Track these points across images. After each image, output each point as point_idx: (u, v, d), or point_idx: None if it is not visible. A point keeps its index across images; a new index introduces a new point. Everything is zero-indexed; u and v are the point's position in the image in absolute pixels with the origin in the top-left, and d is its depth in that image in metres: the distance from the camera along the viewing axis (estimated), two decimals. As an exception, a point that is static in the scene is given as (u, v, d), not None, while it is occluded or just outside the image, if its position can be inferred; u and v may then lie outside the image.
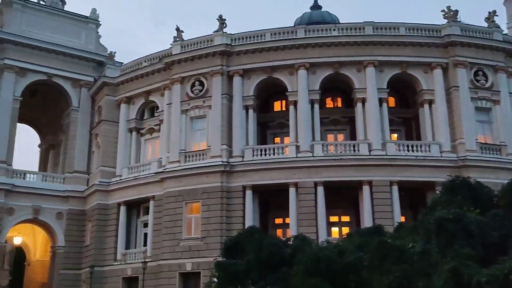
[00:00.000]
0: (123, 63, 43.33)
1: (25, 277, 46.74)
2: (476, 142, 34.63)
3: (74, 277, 39.65)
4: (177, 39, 39.10)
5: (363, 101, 35.89)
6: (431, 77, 36.24)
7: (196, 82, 37.66)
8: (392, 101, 38.69)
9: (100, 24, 46.66)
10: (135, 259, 36.95)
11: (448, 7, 37.02)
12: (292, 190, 34.01)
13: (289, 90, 36.62)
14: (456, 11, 36.82)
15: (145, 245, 37.62)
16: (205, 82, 37.40)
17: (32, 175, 41.65)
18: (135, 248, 38.49)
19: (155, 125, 40.46)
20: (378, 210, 32.98)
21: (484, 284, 13.44)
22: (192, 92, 37.63)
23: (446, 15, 36.93)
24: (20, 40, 41.23)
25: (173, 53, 38.66)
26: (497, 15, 38.27)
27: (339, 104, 39.95)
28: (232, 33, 38.03)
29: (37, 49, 41.90)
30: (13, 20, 42.21)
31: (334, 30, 37.33)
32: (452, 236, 15.92)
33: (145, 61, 41.16)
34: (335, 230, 35.70)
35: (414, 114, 38.04)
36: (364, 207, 33.51)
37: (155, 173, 37.33)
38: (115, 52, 44.27)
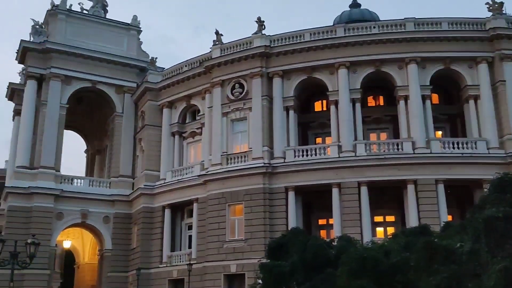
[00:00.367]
0: (164, 68, 43.98)
1: (75, 280, 48.10)
2: (525, 137, 33.55)
3: (121, 279, 40.48)
4: (217, 42, 39.42)
5: (406, 98, 35.28)
6: (476, 72, 35.34)
7: (236, 84, 37.85)
8: (435, 98, 37.94)
9: (141, 31, 47.62)
10: (180, 261, 37.39)
11: (493, 0, 36.06)
12: (335, 191, 33.77)
13: (329, 90, 36.37)
14: (502, 3, 35.80)
15: (189, 247, 38.04)
16: (245, 84, 37.56)
17: (79, 180, 42.76)
18: (180, 250, 38.98)
19: (197, 128, 40.89)
20: (424, 210, 32.35)
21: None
22: (233, 94, 37.85)
23: (491, 7, 35.94)
24: (65, 49, 42.41)
25: (213, 57, 38.99)
26: (544, 6, 37.11)
27: (381, 103, 39.46)
28: (271, 34, 38.06)
29: (82, 57, 43.03)
30: (58, 30, 43.45)
31: (374, 27, 36.83)
32: (502, 235, 15.43)
33: (185, 66, 41.65)
34: (380, 230, 35.26)
35: (459, 111, 37.14)
36: (409, 206, 32.94)
37: (198, 176, 37.72)
38: (156, 58, 45.02)
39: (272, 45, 37.52)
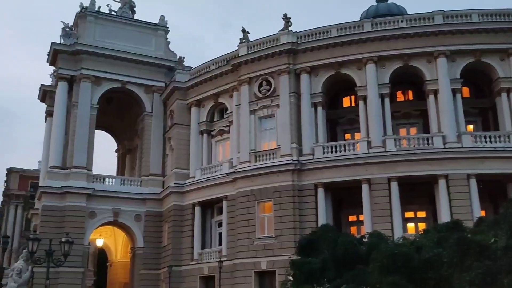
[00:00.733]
0: (192, 67, 44.26)
1: (108, 278, 48.88)
2: (561, 130, 32.78)
3: (153, 276, 40.91)
4: (243, 40, 39.50)
5: (435, 92, 34.79)
6: (508, 64, 34.61)
7: (264, 82, 37.88)
8: (466, 91, 37.30)
9: (169, 31, 47.98)
10: (211, 259, 37.69)
11: (524, -10, 35.35)
12: (365, 187, 33.51)
13: (358, 85, 36.10)
14: (533, -7, 35.05)
15: (220, 244, 38.29)
16: (272, 81, 37.57)
17: (111, 179, 43.38)
18: (211, 247, 39.26)
19: (225, 126, 41.10)
20: (456, 205, 31.81)
21: None
22: (260, 92, 37.90)
23: (522, -2, 35.22)
24: (95, 51, 43.07)
25: (239, 55, 39.09)
26: None
27: (410, 97, 38.98)
28: (297, 31, 37.94)
29: (111, 58, 43.63)
30: (88, 32, 44.14)
31: (401, 21, 36.37)
32: (538, 230, 15.19)
33: (213, 64, 41.86)
34: (411, 226, 34.88)
35: (491, 104, 36.44)
36: (440, 201, 32.48)
37: (226, 173, 37.91)
38: (184, 57, 45.28)
39: (299, 42, 37.42)
